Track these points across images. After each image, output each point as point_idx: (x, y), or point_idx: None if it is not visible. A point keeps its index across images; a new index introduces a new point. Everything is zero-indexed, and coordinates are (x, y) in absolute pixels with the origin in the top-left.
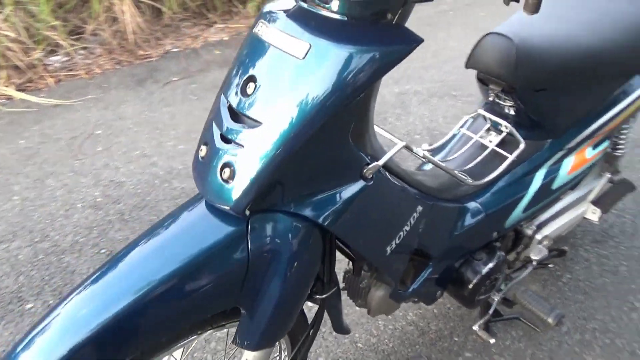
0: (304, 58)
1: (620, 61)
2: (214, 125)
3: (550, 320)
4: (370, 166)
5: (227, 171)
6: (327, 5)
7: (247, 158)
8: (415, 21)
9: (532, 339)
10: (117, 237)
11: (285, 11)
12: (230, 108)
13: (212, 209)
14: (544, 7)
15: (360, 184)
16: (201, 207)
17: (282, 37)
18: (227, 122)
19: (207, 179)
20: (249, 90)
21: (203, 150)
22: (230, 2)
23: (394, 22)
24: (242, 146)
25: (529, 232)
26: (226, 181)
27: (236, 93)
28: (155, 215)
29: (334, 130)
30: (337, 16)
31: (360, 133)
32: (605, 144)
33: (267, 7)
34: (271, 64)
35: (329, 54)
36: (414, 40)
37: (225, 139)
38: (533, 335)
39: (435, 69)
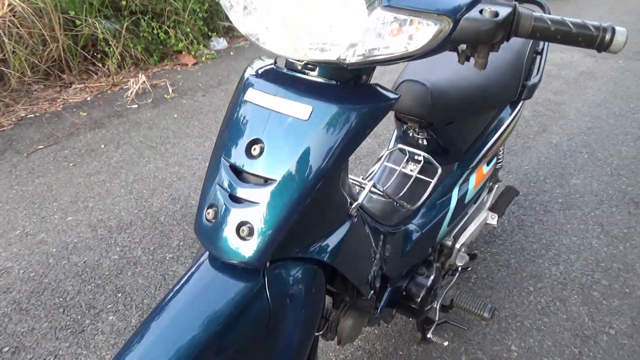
0: (308, 119)
1: (497, 94)
2: (217, 187)
3: (486, 314)
4: (353, 206)
5: (245, 229)
6: (312, 72)
7: (265, 214)
8: None
9: (461, 337)
10: (19, 330)
11: (273, 78)
12: (233, 169)
13: (224, 267)
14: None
15: (348, 222)
16: (210, 269)
17: (281, 102)
18: (236, 183)
19: (221, 239)
20: (255, 152)
21: (210, 214)
22: (86, 61)
23: (368, 83)
24: (257, 203)
25: (449, 243)
26: (244, 238)
27: (240, 155)
28: (60, 297)
29: (334, 179)
30: (323, 80)
31: (342, 178)
32: (494, 160)
33: (248, 74)
34: (275, 126)
35: (331, 114)
36: (394, 96)
37: (235, 199)
38: (462, 333)
39: None
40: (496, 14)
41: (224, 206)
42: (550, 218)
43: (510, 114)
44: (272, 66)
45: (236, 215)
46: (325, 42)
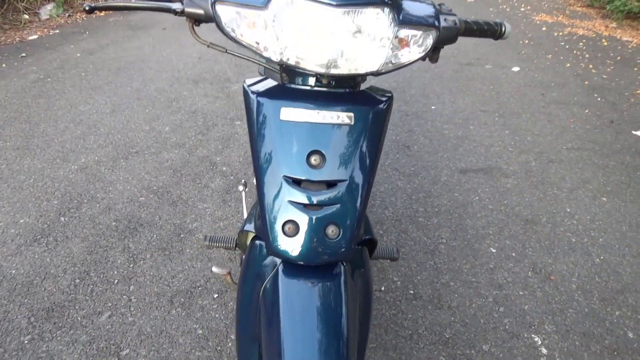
0: (354, 124)
1: None
2: (289, 203)
3: None
4: None
5: (334, 229)
6: (324, 85)
7: (346, 212)
8: None
9: None
10: None
11: (300, 95)
12: (295, 181)
13: (306, 270)
14: None
15: None
16: (297, 275)
17: (325, 114)
18: (308, 192)
19: (310, 245)
20: (316, 162)
21: (291, 228)
22: None
23: (363, 88)
24: (337, 204)
25: None
26: (332, 239)
27: (301, 168)
28: None
29: None
30: (341, 90)
31: None
32: None
33: (258, 97)
34: (329, 135)
35: (368, 115)
36: (389, 92)
37: (312, 206)
38: None
39: None
40: (455, 22)
41: (306, 217)
42: None
43: None
44: (276, 84)
45: (321, 220)
46: (362, 58)
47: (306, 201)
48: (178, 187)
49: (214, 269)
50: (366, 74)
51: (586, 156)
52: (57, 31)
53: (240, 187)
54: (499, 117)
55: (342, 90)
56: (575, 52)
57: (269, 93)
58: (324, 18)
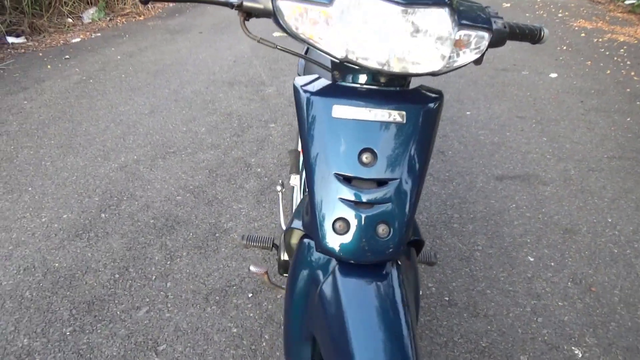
0: (405, 122)
1: None
2: (339, 201)
3: None
4: None
5: (384, 228)
6: (377, 83)
7: (397, 210)
8: None
9: None
10: None
11: (352, 93)
12: (346, 179)
13: (359, 268)
14: None
15: None
16: (351, 273)
17: (378, 112)
18: (359, 190)
19: (360, 244)
20: (367, 160)
21: (342, 226)
22: None
23: (412, 87)
24: (388, 203)
25: None
26: (383, 237)
27: (353, 166)
28: None
29: None
30: (392, 88)
31: None
32: None
33: (310, 95)
34: (382, 133)
35: (420, 113)
36: (438, 90)
37: (364, 205)
38: None
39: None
40: (504, 25)
41: (358, 214)
42: None
43: None
44: (327, 82)
45: (372, 218)
46: (423, 58)
47: (357, 199)
48: (213, 187)
49: (252, 268)
50: (425, 74)
51: (628, 165)
52: (99, 34)
53: (278, 187)
54: (536, 124)
55: (393, 88)
56: (615, 58)
57: (320, 91)
58: (389, 16)
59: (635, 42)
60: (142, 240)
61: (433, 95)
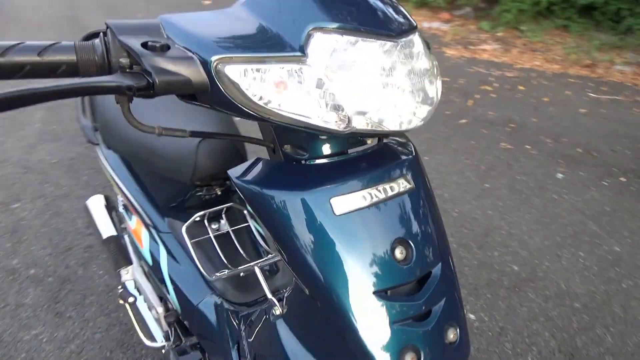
0: (415, 186)
1: None
2: (394, 328)
3: None
4: None
5: (453, 333)
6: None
7: (453, 300)
8: None
9: None
10: None
11: (339, 172)
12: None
13: None
14: None
15: None
16: None
17: (385, 187)
18: (409, 300)
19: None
20: (402, 254)
21: (413, 357)
22: None
23: None
24: (443, 297)
25: None
26: (454, 342)
27: (392, 271)
28: None
29: None
30: (366, 149)
31: None
32: None
33: (312, 197)
34: (401, 213)
35: (418, 168)
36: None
37: (423, 316)
38: None
39: None
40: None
41: (425, 332)
42: None
43: None
44: (275, 165)
45: (438, 326)
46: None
47: (416, 312)
48: None
49: None
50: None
51: None
52: None
53: (130, 300)
54: None
55: (368, 147)
56: None
57: (295, 184)
58: (384, 55)
59: None
60: None
61: (403, 139)
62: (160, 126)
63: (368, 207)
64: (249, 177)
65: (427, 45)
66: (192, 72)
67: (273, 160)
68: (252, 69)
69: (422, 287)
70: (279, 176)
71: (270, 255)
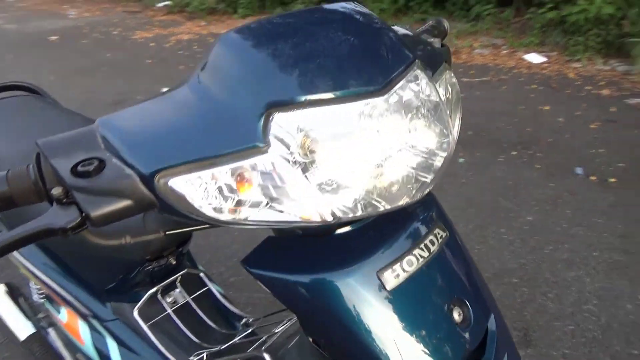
0: (447, 237)
1: None
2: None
3: None
4: None
5: None
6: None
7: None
8: None
9: None
10: None
11: (368, 240)
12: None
13: None
14: None
15: None
16: None
17: (424, 245)
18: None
19: None
20: (461, 316)
21: None
22: None
23: None
24: (505, 352)
25: None
26: None
27: (459, 339)
28: None
29: None
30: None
31: None
32: None
33: (359, 275)
34: (447, 268)
35: (442, 212)
36: None
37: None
38: None
39: None
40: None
41: None
42: None
43: None
44: (296, 240)
45: None
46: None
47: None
48: None
49: None
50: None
51: None
52: None
53: None
54: None
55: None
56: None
57: (323, 263)
58: (373, 119)
59: (197, 36)
60: None
61: None
62: (128, 235)
63: (417, 271)
64: (267, 263)
65: (447, 61)
66: (134, 193)
67: (287, 237)
68: (201, 177)
69: (483, 346)
70: (304, 256)
71: (251, 320)
